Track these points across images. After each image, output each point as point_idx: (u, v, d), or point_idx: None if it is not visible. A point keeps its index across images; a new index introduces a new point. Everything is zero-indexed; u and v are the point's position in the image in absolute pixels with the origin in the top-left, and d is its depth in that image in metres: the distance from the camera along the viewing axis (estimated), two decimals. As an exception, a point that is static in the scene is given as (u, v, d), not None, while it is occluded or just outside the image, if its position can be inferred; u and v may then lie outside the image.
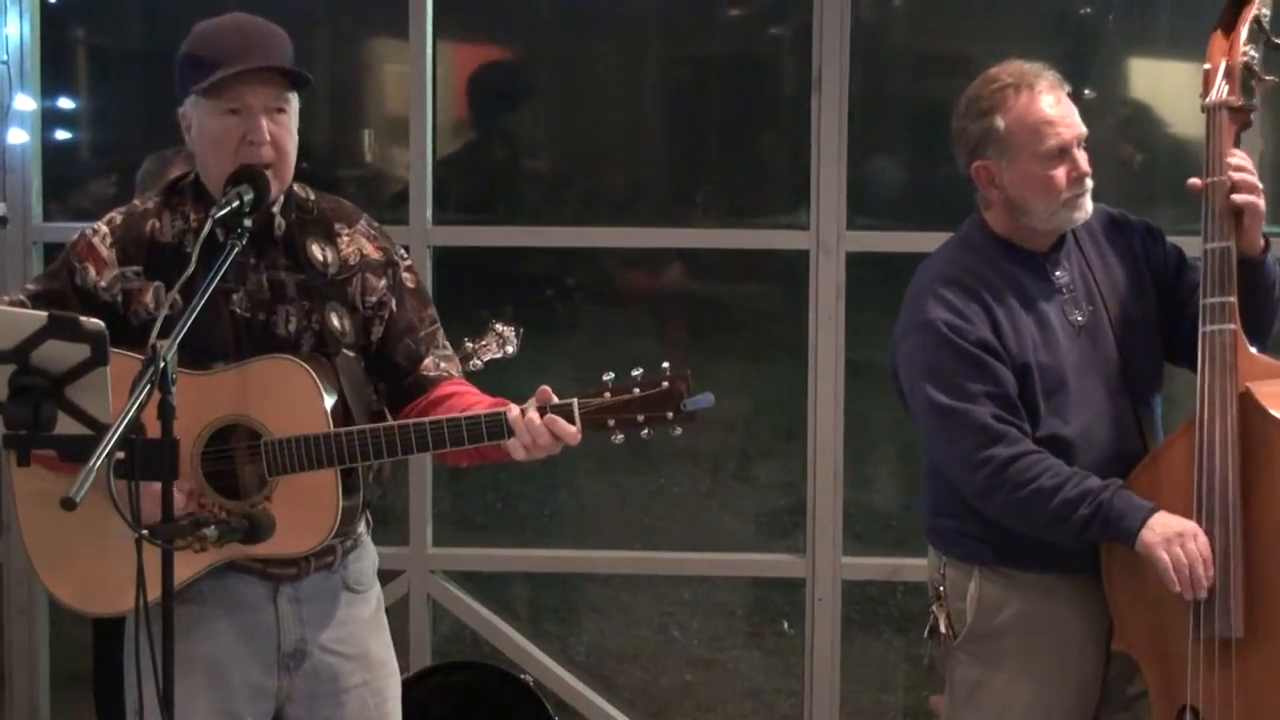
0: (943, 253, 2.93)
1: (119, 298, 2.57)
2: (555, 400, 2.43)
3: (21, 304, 2.57)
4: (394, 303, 2.65)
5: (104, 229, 2.60)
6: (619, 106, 4.58)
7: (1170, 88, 4.41)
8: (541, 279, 4.50)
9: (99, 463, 2.09)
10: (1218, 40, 2.84)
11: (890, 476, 4.58)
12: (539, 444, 2.42)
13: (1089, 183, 2.81)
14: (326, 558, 2.64)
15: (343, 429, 2.49)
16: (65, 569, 2.59)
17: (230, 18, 2.55)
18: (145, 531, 2.20)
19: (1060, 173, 2.79)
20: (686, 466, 4.60)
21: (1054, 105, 2.80)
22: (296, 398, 2.50)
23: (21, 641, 4.37)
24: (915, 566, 4.23)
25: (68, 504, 2.05)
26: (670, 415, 2.39)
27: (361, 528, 2.73)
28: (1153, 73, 4.43)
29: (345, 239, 2.63)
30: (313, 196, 2.66)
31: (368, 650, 2.70)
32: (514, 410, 2.44)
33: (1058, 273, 2.86)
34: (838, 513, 4.19)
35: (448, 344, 2.74)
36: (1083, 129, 2.81)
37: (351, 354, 2.60)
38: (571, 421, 2.41)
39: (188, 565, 2.50)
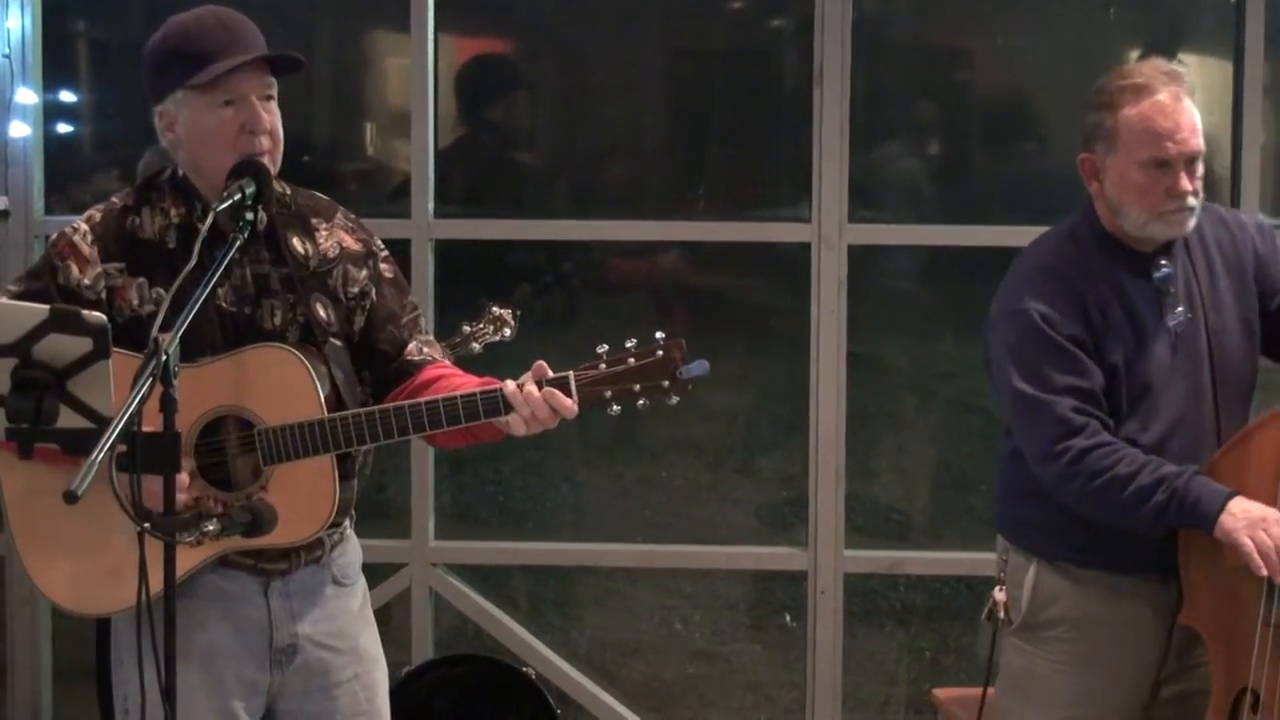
0: (1046, 241, 2.92)
1: (102, 295, 2.55)
2: (551, 374, 2.43)
3: None
4: (374, 292, 2.65)
5: (84, 226, 2.58)
6: (621, 99, 4.58)
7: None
8: (543, 272, 4.50)
9: (101, 456, 2.09)
10: None
11: (892, 469, 4.58)
12: (538, 417, 2.41)
13: (1192, 201, 2.77)
14: (315, 551, 2.64)
15: (338, 414, 2.48)
16: (58, 571, 2.58)
17: (207, 10, 2.55)
18: (147, 525, 2.19)
19: (1158, 184, 2.76)
20: (688, 459, 4.61)
21: (1169, 116, 2.75)
22: (290, 385, 2.49)
23: (24, 634, 4.37)
24: (917, 559, 4.30)
25: (70, 497, 2.04)
26: (666, 384, 2.39)
27: (345, 520, 2.73)
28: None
29: (324, 233, 2.64)
30: (289, 191, 2.66)
31: (358, 643, 2.70)
32: (510, 385, 2.43)
33: (1160, 275, 2.83)
34: (839, 506, 4.19)
35: (429, 331, 2.74)
36: (1196, 147, 2.76)
37: (339, 343, 2.60)
38: (568, 394, 2.42)
39: (185, 559, 2.48)
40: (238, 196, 2.42)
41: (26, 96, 4.27)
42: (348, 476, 2.56)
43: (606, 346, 2.42)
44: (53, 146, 4.39)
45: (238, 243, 2.40)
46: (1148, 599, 2.84)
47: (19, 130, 4.27)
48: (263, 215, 2.55)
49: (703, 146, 4.59)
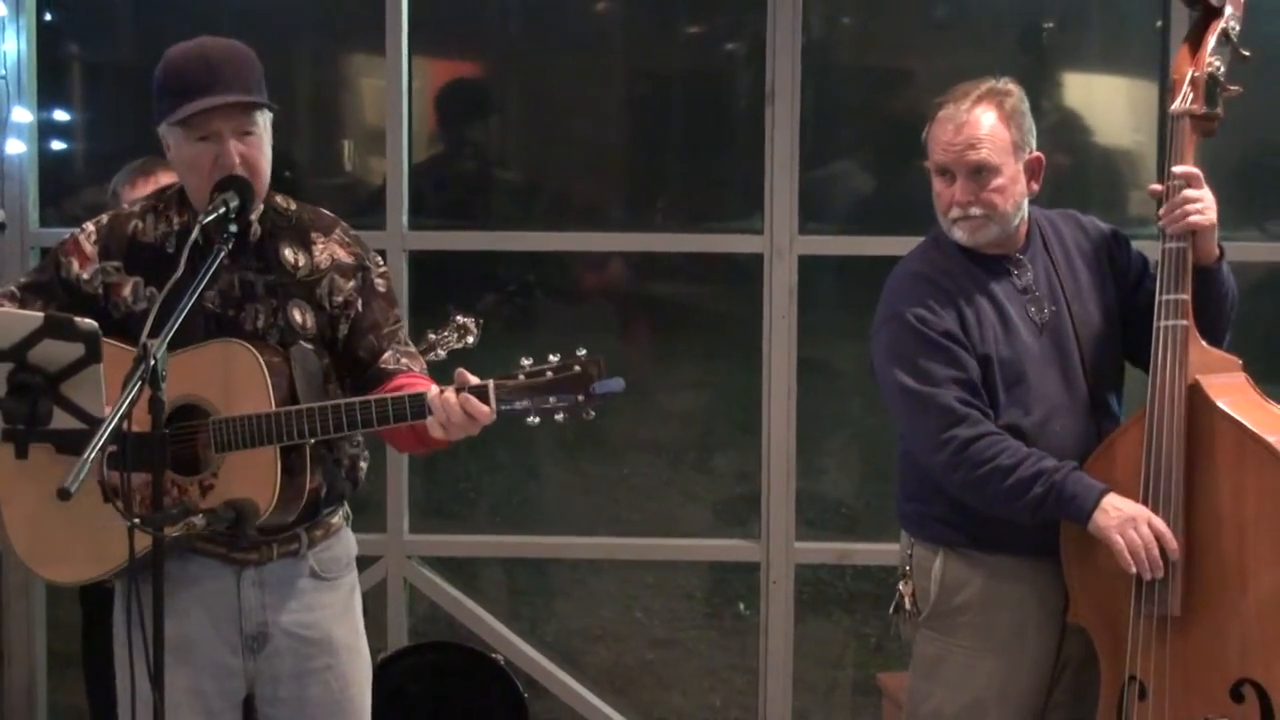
0: (915, 251, 3.00)
1: (100, 290, 2.68)
2: (473, 382, 2.46)
3: (13, 295, 2.72)
4: (360, 303, 2.72)
5: (91, 228, 2.73)
6: (585, 118, 4.62)
7: (1101, 99, 4.47)
8: (512, 281, 4.54)
9: (93, 455, 2.18)
10: (1184, 52, 2.86)
11: (839, 466, 4.61)
12: (453, 421, 2.46)
13: (959, 211, 2.84)
14: (291, 545, 2.72)
15: (283, 408, 2.54)
16: (37, 540, 2.69)
17: (197, 45, 2.62)
18: (137, 520, 2.29)
19: (946, 191, 2.86)
20: (649, 457, 4.65)
21: (948, 128, 2.83)
22: (243, 379, 2.57)
23: (19, 623, 4.43)
24: (864, 551, 4.30)
25: (63, 494, 2.13)
26: (580, 398, 2.41)
27: (337, 518, 2.80)
28: (1085, 85, 4.48)
29: (319, 246, 2.73)
30: (293, 207, 2.77)
31: (330, 635, 2.75)
32: (434, 390, 2.49)
33: (1019, 274, 2.91)
34: (790, 501, 4.25)
35: (411, 344, 2.82)
36: (970, 158, 2.80)
37: (309, 346, 2.68)
38: (486, 402, 2.44)
39: (144, 539, 2.44)
40: (222, 210, 2.55)
41: (22, 115, 4.33)
42: (293, 471, 2.59)
43: (530, 360, 2.45)
44: (47, 163, 4.44)
45: (222, 253, 2.53)
46: (1045, 580, 2.90)
47: (15, 147, 4.32)
48: (256, 227, 2.68)
49: (662, 162, 4.64)
